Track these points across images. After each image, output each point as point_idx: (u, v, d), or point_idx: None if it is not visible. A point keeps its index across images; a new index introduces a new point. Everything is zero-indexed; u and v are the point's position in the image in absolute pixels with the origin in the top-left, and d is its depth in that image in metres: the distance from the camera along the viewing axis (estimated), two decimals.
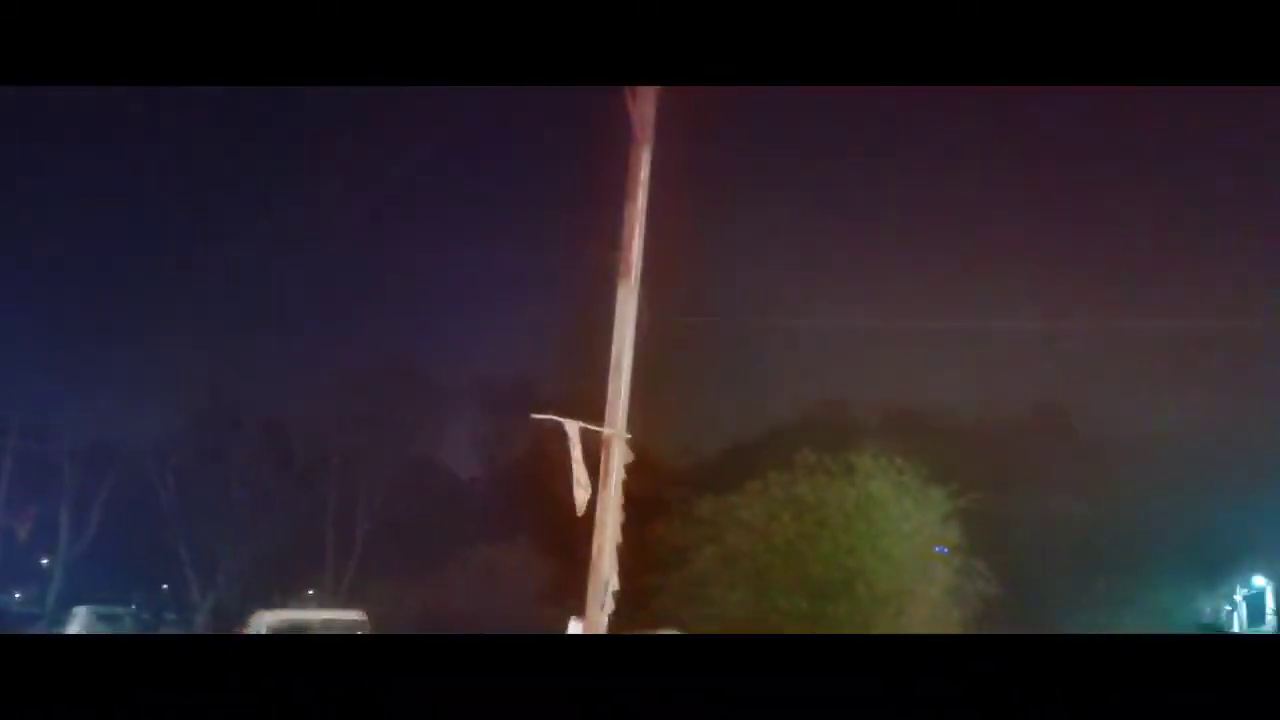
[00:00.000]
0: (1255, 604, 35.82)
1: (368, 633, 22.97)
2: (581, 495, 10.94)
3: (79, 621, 29.04)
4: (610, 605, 10.42)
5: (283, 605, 27.28)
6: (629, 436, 11.27)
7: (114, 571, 35.41)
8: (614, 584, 10.53)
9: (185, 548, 35.24)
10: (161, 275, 35.32)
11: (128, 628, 29.66)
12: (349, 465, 37.82)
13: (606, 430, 11.55)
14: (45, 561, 37.68)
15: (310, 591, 36.72)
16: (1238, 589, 37.08)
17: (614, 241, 13.32)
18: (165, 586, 38.72)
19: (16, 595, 37.51)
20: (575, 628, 10.67)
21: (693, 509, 19.43)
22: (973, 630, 19.78)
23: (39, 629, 28.88)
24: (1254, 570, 34.59)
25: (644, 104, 11.85)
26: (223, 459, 36.26)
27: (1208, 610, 35.41)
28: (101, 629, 27.84)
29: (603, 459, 11.40)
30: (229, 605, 33.02)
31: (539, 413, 12.17)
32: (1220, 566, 34.10)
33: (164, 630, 33.82)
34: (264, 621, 22.31)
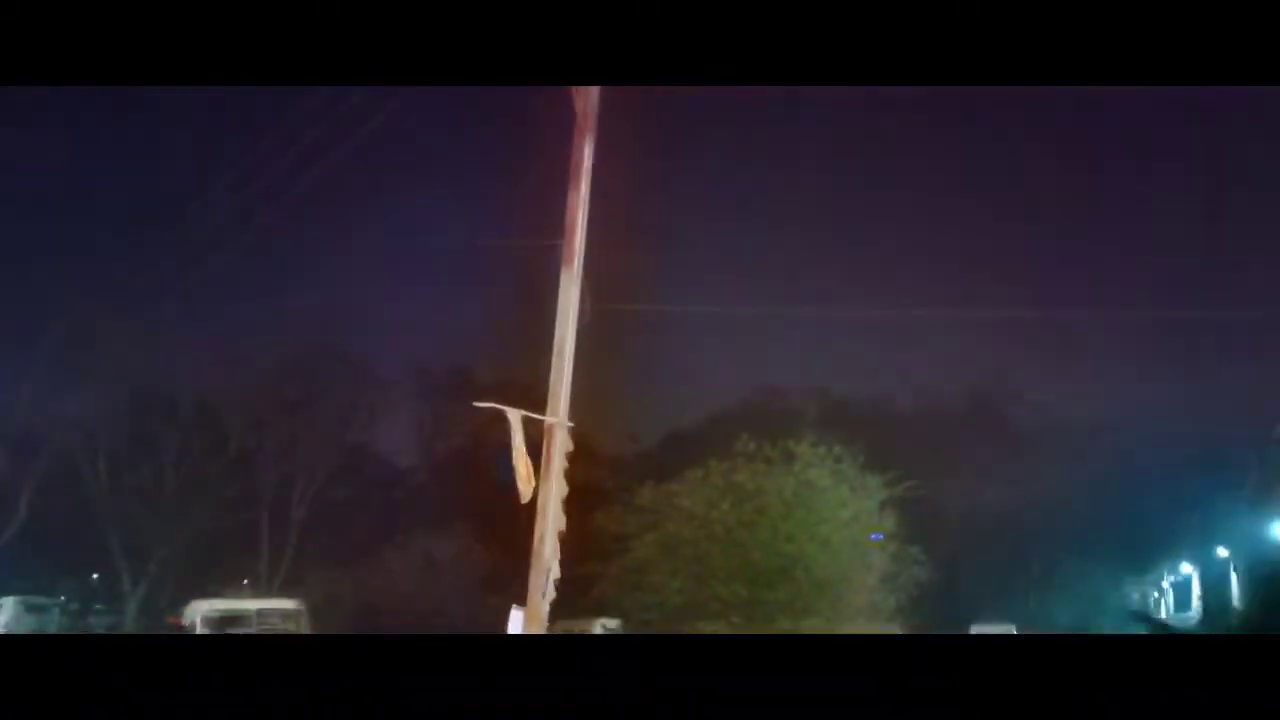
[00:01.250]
0: (1182, 591, 36.91)
1: (304, 622, 22.77)
2: (523, 484, 10.91)
3: (6, 612, 28.38)
4: (552, 593, 10.45)
5: (217, 595, 26.91)
6: (571, 424, 11.28)
7: (43, 561, 34.59)
8: (555, 572, 10.55)
9: (116, 536, 34.46)
10: (88, 259, 34.52)
11: (56, 618, 29.07)
12: (284, 452, 37.28)
13: (549, 418, 11.54)
14: None
15: (245, 581, 36.20)
16: (1165, 576, 38.17)
17: (556, 229, 13.30)
18: (95, 576, 37.93)
19: None
20: (516, 616, 10.66)
21: (633, 497, 19.50)
22: (907, 614, 20.15)
23: None
24: (1181, 558, 35.65)
25: (587, 94, 11.84)
26: (154, 445, 35.54)
27: (1136, 596, 36.40)
28: (29, 620, 27.28)
29: (545, 447, 11.38)
30: (161, 595, 32.45)
31: (479, 400, 12.13)
32: (1148, 554, 35.06)
33: (93, 620, 33.16)
34: (199, 611, 22.02)
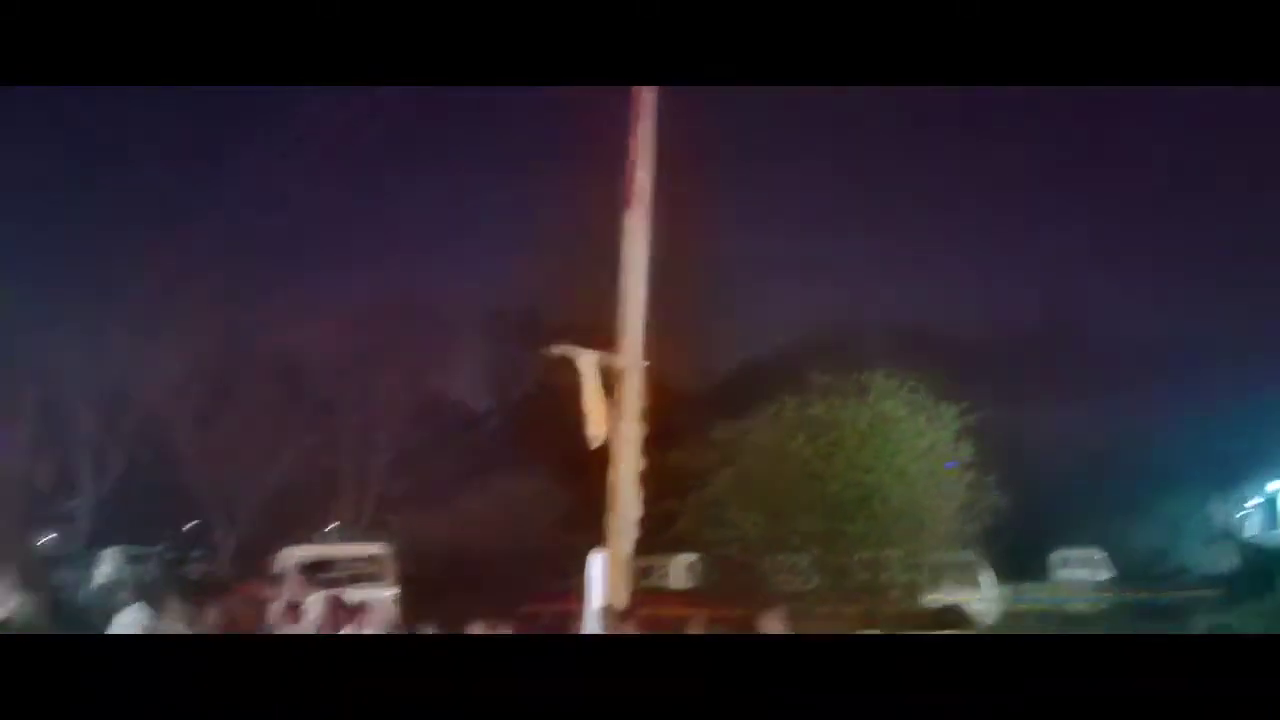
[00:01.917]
0: (1269, 510, 36.08)
1: (389, 565, 23.23)
2: (596, 428, 11.00)
3: (108, 563, 29.49)
4: (634, 533, 10.56)
5: (305, 541, 27.60)
6: (647, 363, 11.30)
7: (139, 513, 35.89)
8: (637, 512, 10.67)
9: (206, 488, 35.65)
10: (169, 214, 35.17)
11: (156, 567, 30.12)
12: (363, 400, 38.07)
13: (621, 360, 11.58)
14: (71, 505, 38.16)
15: (331, 526, 37.17)
16: (1251, 494, 37.31)
17: (620, 168, 13.24)
18: (189, 526, 39.21)
19: (47, 539, 38.08)
20: (598, 559, 10.81)
21: (707, 433, 19.55)
22: (989, 543, 20.07)
23: (69, 571, 29.34)
24: (1268, 476, 34.78)
25: None
26: (237, 397, 36.53)
27: (1220, 516, 35.66)
28: (130, 569, 28.29)
29: (619, 389, 11.43)
30: (253, 542, 33.45)
31: (550, 343, 12.19)
32: (1233, 473, 34.30)
33: (188, 568, 34.36)
34: (291, 557, 22.62)
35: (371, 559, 23.68)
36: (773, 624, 8.51)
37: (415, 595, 21.50)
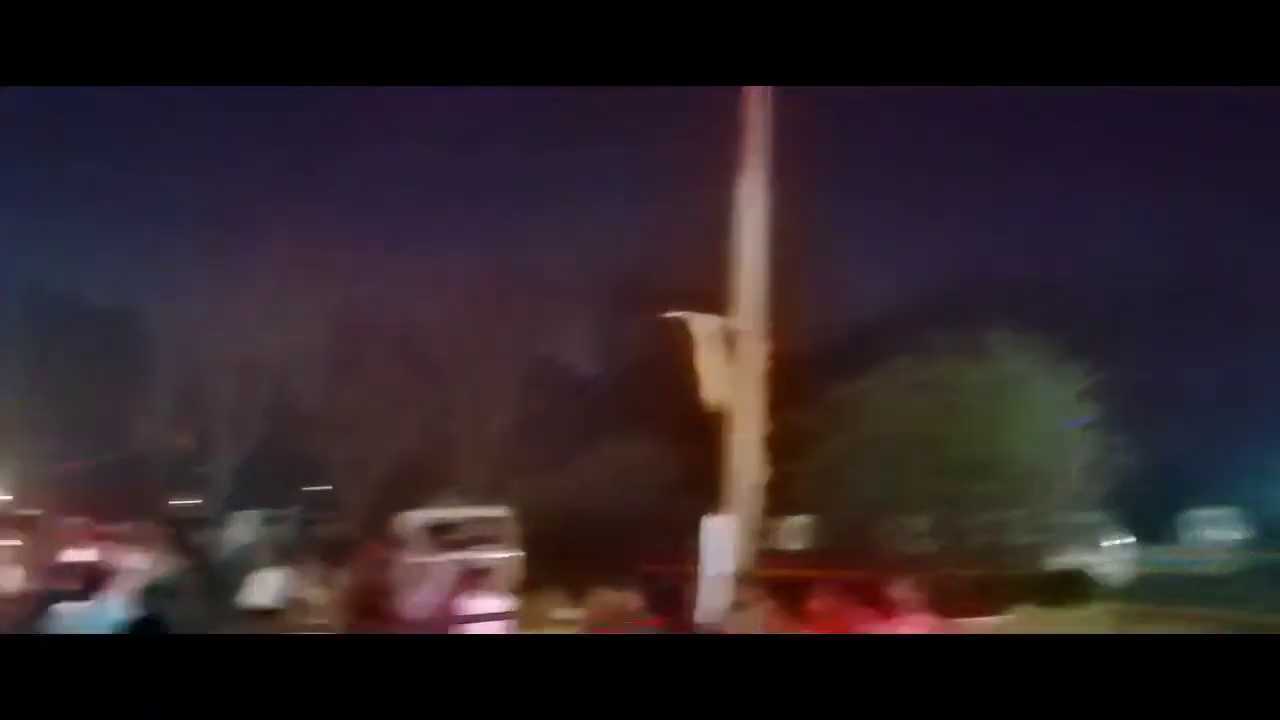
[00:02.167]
0: None
1: (509, 529, 23.58)
2: (714, 394, 11.02)
3: (246, 524, 30.73)
4: (756, 497, 10.58)
5: (428, 504, 28.16)
6: (769, 327, 11.27)
7: (273, 477, 37.37)
8: (758, 475, 10.69)
9: (335, 452, 36.95)
10: (295, 190, 36.42)
11: (291, 529, 31.25)
12: (478, 366, 38.79)
13: (737, 324, 11.58)
14: (207, 469, 39.92)
15: (451, 489, 37.95)
16: None
17: (736, 131, 13.17)
18: (321, 488, 40.48)
19: (188, 502, 39.86)
20: (715, 524, 10.86)
21: (825, 395, 19.40)
22: (1116, 504, 19.56)
23: (209, 532, 30.62)
24: None
25: None
26: (359, 366, 37.69)
27: None
28: (267, 531, 29.38)
29: (735, 353, 11.44)
30: (381, 505, 34.43)
31: (662, 306, 12.24)
32: None
33: (324, 529, 35.56)
34: (414, 521, 23.15)
35: (492, 521, 24.01)
36: (896, 587, 8.48)
37: (535, 558, 21.81)
